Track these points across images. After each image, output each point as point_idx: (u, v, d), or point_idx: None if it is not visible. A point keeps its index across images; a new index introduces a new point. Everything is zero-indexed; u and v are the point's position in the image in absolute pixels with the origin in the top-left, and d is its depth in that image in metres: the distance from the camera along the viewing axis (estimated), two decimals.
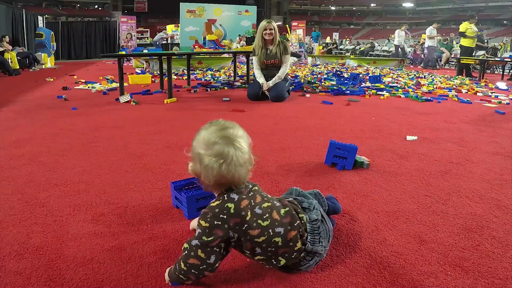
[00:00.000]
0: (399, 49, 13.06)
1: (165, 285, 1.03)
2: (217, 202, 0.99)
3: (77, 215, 1.43)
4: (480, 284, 1.04)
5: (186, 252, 0.98)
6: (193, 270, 0.97)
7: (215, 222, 0.96)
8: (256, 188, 1.06)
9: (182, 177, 1.77)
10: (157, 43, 15.06)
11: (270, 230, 1.00)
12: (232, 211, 0.97)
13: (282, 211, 1.04)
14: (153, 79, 6.46)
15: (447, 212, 1.48)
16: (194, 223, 1.29)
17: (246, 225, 0.98)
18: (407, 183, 1.78)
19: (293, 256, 1.03)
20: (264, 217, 1.00)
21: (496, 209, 1.51)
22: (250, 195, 1.02)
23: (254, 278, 1.05)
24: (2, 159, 2.11)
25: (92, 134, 2.69)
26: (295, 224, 1.04)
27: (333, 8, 46.94)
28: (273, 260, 1.03)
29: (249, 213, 0.98)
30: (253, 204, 1.00)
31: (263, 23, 4.36)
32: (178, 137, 2.62)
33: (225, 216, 0.97)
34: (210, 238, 0.96)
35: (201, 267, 0.97)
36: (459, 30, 8.67)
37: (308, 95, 4.78)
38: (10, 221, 1.38)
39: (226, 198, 0.99)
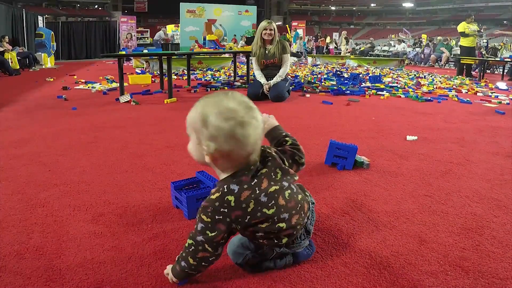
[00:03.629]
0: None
1: (165, 285, 1.03)
2: (217, 195, 0.95)
3: (77, 215, 1.43)
4: (480, 284, 1.04)
5: (193, 247, 0.96)
6: (203, 263, 0.98)
7: (216, 217, 0.94)
8: (263, 171, 0.97)
9: (182, 177, 1.77)
10: (158, 42, 15.07)
11: (276, 217, 0.97)
12: (232, 204, 0.93)
13: (287, 193, 1.00)
14: (153, 79, 6.46)
15: (447, 212, 1.48)
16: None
17: (248, 217, 0.95)
18: (407, 183, 1.78)
19: (294, 233, 1.04)
20: (270, 204, 0.96)
21: (496, 209, 1.51)
22: (253, 183, 0.95)
23: (254, 278, 1.05)
24: (2, 159, 2.11)
25: (92, 134, 2.69)
26: (298, 208, 1.03)
27: (333, 8, 46.94)
28: (274, 240, 1.02)
29: (251, 204, 0.94)
30: (257, 192, 0.95)
31: (263, 24, 4.37)
32: (178, 137, 2.62)
33: (226, 210, 0.93)
34: (213, 234, 0.94)
35: (210, 259, 0.98)
36: (459, 31, 8.67)
37: (308, 95, 4.78)
38: (10, 221, 1.38)
39: (226, 190, 0.94)
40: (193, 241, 0.96)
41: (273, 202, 0.97)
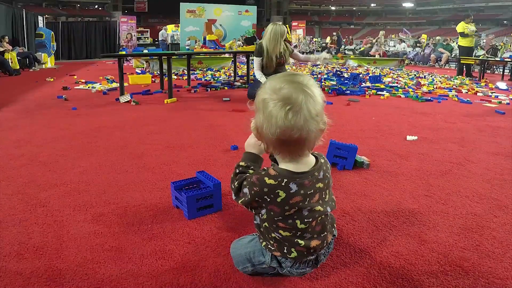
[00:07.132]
0: None
1: (165, 285, 1.03)
2: (272, 181, 0.88)
3: (77, 215, 1.43)
4: (480, 284, 1.04)
5: (232, 178, 1.03)
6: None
7: (256, 199, 0.92)
8: (320, 185, 0.94)
9: (182, 177, 1.77)
10: (164, 42, 15.16)
11: (299, 233, 0.95)
12: (279, 200, 0.89)
13: (321, 218, 0.98)
14: (153, 79, 6.46)
15: (447, 212, 1.48)
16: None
17: (280, 217, 0.92)
18: (407, 183, 1.78)
19: (306, 255, 0.99)
20: (305, 220, 0.93)
21: (496, 209, 1.51)
22: (309, 192, 0.91)
23: (254, 278, 1.05)
24: (2, 159, 2.11)
25: (92, 134, 2.69)
26: (322, 235, 1.00)
27: (333, 8, 46.90)
28: (285, 249, 0.97)
29: (293, 210, 0.91)
30: (306, 203, 0.91)
31: (283, 28, 4.19)
32: (178, 137, 2.62)
33: (268, 199, 0.90)
34: (244, 201, 0.96)
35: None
36: (458, 31, 8.66)
37: None
38: (11, 221, 1.38)
39: (283, 184, 0.88)
40: (231, 186, 1.01)
41: (310, 219, 0.94)
